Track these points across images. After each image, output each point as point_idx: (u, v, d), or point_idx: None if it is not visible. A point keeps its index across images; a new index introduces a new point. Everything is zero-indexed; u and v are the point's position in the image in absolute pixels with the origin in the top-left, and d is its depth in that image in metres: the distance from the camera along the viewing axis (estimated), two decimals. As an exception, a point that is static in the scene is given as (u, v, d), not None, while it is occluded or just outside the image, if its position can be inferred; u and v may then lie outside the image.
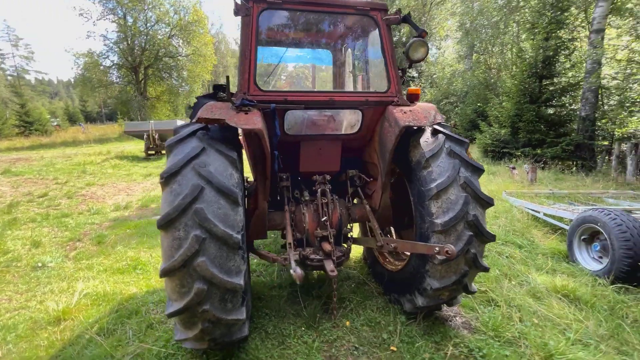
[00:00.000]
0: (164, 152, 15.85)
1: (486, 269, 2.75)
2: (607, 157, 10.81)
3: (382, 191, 3.10)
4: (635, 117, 10.35)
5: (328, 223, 3.07)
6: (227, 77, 2.59)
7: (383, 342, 2.90)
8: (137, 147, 18.49)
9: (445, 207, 2.62)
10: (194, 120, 2.50)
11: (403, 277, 3.18)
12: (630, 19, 9.87)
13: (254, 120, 2.46)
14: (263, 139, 2.49)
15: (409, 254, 3.14)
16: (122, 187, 9.66)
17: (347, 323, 3.17)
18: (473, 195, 2.65)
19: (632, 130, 10.46)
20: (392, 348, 2.83)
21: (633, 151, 8.75)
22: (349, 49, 3.51)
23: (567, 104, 12.03)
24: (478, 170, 2.76)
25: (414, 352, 2.75)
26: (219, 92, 2.75)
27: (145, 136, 14.83)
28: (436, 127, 2.92)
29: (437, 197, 2.65)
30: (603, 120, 11.39)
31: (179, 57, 32.53)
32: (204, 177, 2.21)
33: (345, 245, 3.21)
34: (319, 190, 3.13)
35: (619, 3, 10.77)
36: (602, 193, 6.91)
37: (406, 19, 2.91)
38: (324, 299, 3.42)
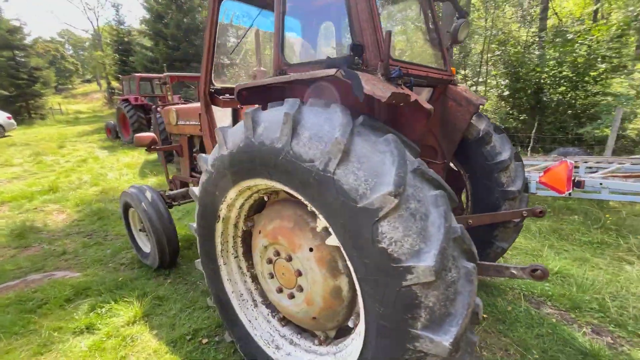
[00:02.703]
0: None
1: None
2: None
3: (444, 172, 3.07)
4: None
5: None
6: (389, 33, 1.73)
7: (473, 315, 3.01)
8: None
9: (513, 176, 2.97)
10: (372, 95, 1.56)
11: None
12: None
13: (421, 98, 1.84)
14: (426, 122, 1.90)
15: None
16: None
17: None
18: (522, 162, 3.13)
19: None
20: (483, 316, 3.00)
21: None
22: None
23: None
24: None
25: (515, 316, 3.00)
26: (356, 57, 1.79)
27: None
28: None
29: (507, 168, 2.94)
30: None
31: None
32: (437, 184, 1.48)
33: None
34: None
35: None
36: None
37: (450, -3, 2.90)
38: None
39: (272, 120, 1.70)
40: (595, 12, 14.15)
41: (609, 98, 9.47)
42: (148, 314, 3.07)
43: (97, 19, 74.08)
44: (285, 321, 2.29)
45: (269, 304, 2.38)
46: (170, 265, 3.86)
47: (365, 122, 1.59)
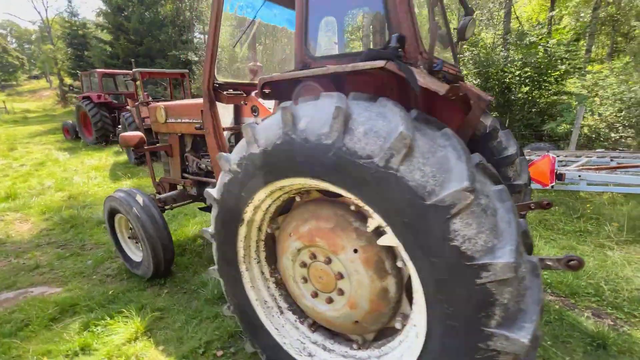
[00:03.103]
0: None
1: None
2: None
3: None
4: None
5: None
6: (436, 24, 1.68)
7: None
8: None
9: (519, 170, 3.07)
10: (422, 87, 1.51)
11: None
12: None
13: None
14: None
15: None
16: None
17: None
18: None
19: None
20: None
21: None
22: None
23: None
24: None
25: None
26: (400, 48, 1.71)
27: None
28: None
29: (513, 162, 3.03)
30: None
31: None
32: (496, 179, 1.47)
33: None
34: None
35: None
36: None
37: (459, -5, 2.93)
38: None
39: (315, 115, 1.59)
40: (551, 17, 15.26)
41: (564, 97, 10.29)
42: (150, 328, 2.82)
43: (46, 10, 67.93)
44: (315, 327, 2.19)
45: (295, 310, 2.26)
46: (165, 274, 3.59)
47: (420, 116, 1.54)
